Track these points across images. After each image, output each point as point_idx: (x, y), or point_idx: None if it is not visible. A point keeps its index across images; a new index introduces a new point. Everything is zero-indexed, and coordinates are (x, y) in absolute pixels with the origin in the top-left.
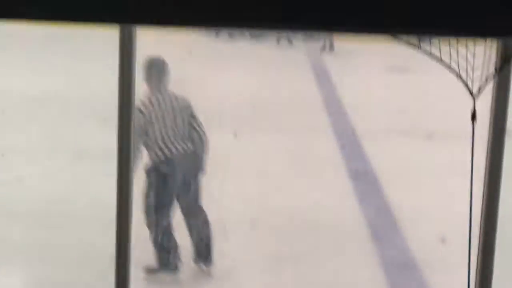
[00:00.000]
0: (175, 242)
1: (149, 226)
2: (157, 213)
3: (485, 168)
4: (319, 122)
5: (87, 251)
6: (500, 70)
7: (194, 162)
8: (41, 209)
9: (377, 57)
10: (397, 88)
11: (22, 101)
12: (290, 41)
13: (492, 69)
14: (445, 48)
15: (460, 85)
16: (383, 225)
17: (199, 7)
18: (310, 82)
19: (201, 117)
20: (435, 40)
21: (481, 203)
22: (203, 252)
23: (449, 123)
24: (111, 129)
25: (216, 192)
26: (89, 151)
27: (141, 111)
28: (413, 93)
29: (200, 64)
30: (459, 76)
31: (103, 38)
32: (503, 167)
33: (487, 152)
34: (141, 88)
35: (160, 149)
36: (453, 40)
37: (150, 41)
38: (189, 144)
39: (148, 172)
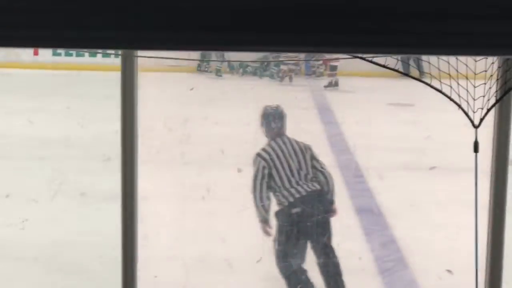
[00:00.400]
0: (311, 284)
1: (282, 271)
2: (290, 256)
3: (490, 198)
4: (322, 158)
5: None
6: (501, 101)
7: (322, 202)
8: (46, 251)
9: (380, 93)
10: (400, 124)
11: (26, 143)
12: (291, 78)
13: (493, 100)
14: (445, 80)
15: (462, 118)
16: (389, 259)
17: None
18: (313, 118)
19: (204, 153)
20: (435, 73)
21: (486, 233)
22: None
23: (452, 156)
24: (115, 169)
25: (220, 227)
26: (93, 192)
27: (263, 158)
28: (415, 128)
29: (201, 101)
30: (460, 107)
31: (105, 80)
32: (507, 197)
33: (491, 182)
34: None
35: (288, 191)
36: (453, 73)
37: (152, 79)
38: (316, 185)
39: (277, 216)
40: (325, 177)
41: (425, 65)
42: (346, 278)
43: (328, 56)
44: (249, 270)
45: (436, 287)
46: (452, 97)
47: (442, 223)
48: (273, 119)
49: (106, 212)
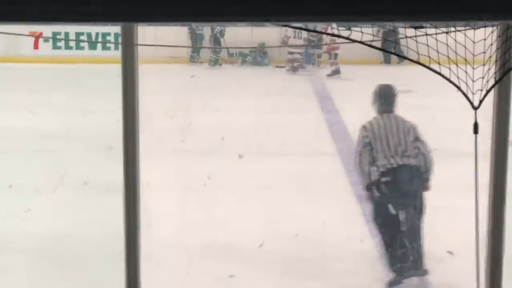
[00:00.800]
0: (405, 248)
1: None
2: (383, 222)
3: (490, 180)
4: (324, 146)
5: (95, 286)
6: (500, 82)
7: (417, 177)
8: (47, 241)
9: (379, 80)
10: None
11: (27, 136)
12: (293, 67)
13: (492, 82)
14: (444, 63)
15: (463, 102)
16: None
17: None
18: (313, 106)
19: (204, 140)
20: (434, 56)
21: (487, 215)
22: (419, 261)
23: (453, 140)
24: (117, 160)
25: (222, 214)
26: (95, 182)
27: (366, 129)
28: (416, 113)
29: (203, 90)
30: (459, 89)
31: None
32: (507, 179)
33: (490, 164)
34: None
35: (381, 162)
36: (452, 56)
37: (153, 69)
38: (413, 161)
39: (374, 184)
40: (424, 157)
41: (423, 48)
42: (349, 263)
43: (329, 42)
44: (251, 256)
45: (437, 269)
46: (451, 79)
47: (442, 205)
48: (383, 97)
49: (108, 203)
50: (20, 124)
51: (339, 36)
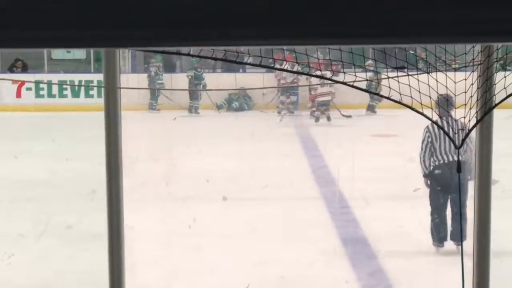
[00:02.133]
0: (445, 225)
1: (431, 212)
2: (434, 204)
3: (474, 219)
4: (308, 190)
5: None
6: (481, 121)
7: (463, 168)
8: None
9: (362, 125)
10: (382, 154)
11: (12, 182)
12: (279, 113)
13: (473, 121)
14: (426, 102)
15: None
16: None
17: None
18: (297, 151)
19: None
20: (416, 95)
21: (472, 255)
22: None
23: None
24: (101, 205)
25: (207, 258)
26: (79, 229)
27: (429, 129)
28: (398, 158)
29: (186, 136)
30: (441, 128)
31: (88, 120)
32: (491, 217)
33: (474, 202)
34: None
35: (437, 158)
36: (434, 95)
37: (136, 116)
38: (461, 156)
39: (430, 174)
40: (471, 150)
41: (405, 88)
42: None
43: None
44: None
45: None
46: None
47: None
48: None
49: (93, 249)
50: (3, 172)
51: (322, 77)
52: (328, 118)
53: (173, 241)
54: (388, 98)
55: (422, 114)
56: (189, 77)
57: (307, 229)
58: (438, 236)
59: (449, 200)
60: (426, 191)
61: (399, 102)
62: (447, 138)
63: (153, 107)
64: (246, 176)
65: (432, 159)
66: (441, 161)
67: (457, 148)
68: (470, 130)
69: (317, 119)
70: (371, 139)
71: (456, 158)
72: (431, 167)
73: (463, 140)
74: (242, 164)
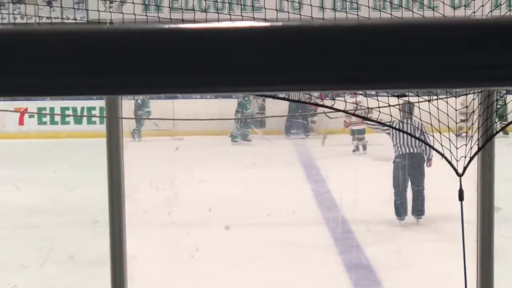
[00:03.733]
0: (406, 202)
1: (394, 193)
2: (398, 184)
3: (477, 247)
4: (311, 215)
5: None
6: (483, 149)
7: (419, 158)
8: None
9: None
10: (385, 177)
11: (14, 210)
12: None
13: (475, 148)
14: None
15: (447, 168)
16: None
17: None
18: (299, 175)
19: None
20: (419, 123)
21: (475, 281)
22: (419, 208)
23: (439, 206)
24: (104, 233)
25: (210, 286)
26: (82, 257)
27: (391, 131)
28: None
29: (189, 163)
30: (443, 156)
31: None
32: (494, 244)
33: (477, 230)
34: None
35: (398, 150)
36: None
37: (137, 144)
38: (417, 149)
39: (394, 163)
40: (427, 143)
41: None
42: None
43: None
44: None
45: None
46: (435, 147)
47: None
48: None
49: (95, 277)
50: (5, 199)
51: (322, 105)
52: (364, 147)
53: (175, 269)
54: (390, 126)
55: (424, 142)
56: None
57: (311, 256)
58: (400, 212)
59: (409, 183)
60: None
61: (401, 130)
62: (405, 135)
63: (135, 134)
64: (249, 201)
65: (394, 150)
66: (401, 152)
67: (460, 176)
68: (472, 157)
69: (356, 149)
70: (371, 163)
71: (414, 151)
72: (394, 157)
73: (465, 168)
74: (244, 189)
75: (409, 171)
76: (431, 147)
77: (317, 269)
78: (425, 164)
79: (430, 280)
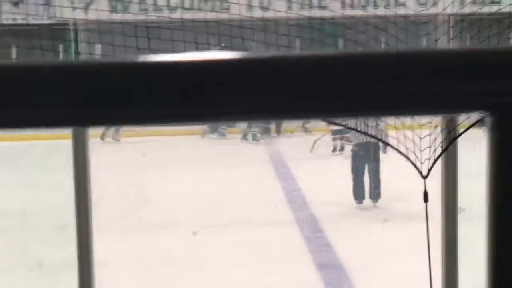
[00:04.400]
0: (363, 187)
1: (353, 178)
2: (356, 170)
3: (442, 245)
4: (281, 215)
5: None
6: (447, 151)
7: (374, 147)
8: None
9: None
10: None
11: None
12: (245, 138)
13: (439, 150)
14: (392, 132)
15: (412, 169)
16: None
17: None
18: (269, 175)
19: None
20: (382, 126)
21: (440, 278)
22: (375, 192)
23: (405, 206)
24: (70, 238)
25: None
26: (49, 262)
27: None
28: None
29: (157, 163)
30: (408, 159)
31: (57, 149)
32: (458, 242)
33: (441, 230)
34: None
35: (357, 140)
36: (399, 125)
37: (105, 147)
38: (372, 140)
39: (352, 151)
40: (381, 137)
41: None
42: None
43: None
44: None
45: None
46: (400, 149)
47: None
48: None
49: (65, 282)
50: None
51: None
52: (342, 148)
53: (145, 273)
54: (364, 133)
55: (388, 144)
56: None
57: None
58: (358, 196)
59: (366, 169)
60: None
61: (364, 133)
62: (362, 125)
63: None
64: (219, 202)
65: (352, 139)
66: (356, 141)
67: (424, 178)
68: (436, 159)
69: (334, 149)
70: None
71: (368, 140)
72: (352, 147)
73: (429, 170)
74: (214, 190)
75: (366, 159)
76: (396, 149)
77: (288, 268)
78: (380, 152)
79: (397, 276)
